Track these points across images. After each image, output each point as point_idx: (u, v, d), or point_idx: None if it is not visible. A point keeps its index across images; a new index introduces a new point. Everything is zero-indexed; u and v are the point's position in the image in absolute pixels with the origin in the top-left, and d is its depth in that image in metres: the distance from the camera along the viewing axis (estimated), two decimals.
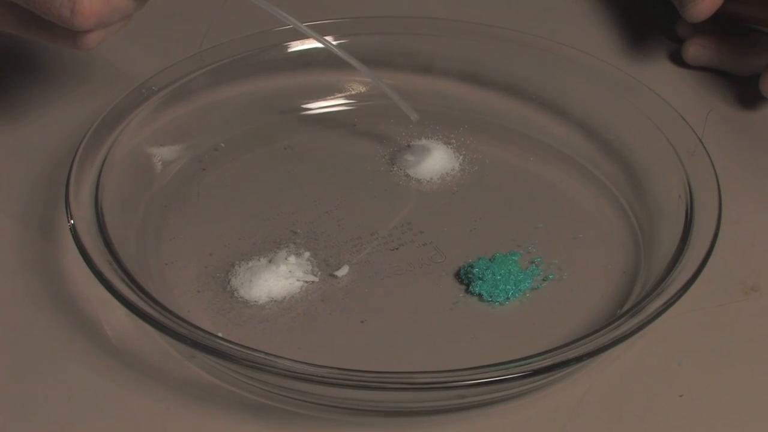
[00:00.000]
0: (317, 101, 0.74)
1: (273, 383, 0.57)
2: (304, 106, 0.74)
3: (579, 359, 0.55)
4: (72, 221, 0.60)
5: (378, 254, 0.64)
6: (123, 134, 0.67)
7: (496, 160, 0.71)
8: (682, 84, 0.77)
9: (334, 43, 0.74)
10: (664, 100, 0.69)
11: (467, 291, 0.62)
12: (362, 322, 0.61)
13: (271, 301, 0.62)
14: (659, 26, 0.82)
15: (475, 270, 0.62)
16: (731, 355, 0.60)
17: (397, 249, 0.65)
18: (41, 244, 0.65)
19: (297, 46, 0.74)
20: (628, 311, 0.58)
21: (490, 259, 0.63)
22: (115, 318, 0.60)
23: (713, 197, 0.63)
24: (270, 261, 0.63)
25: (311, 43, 0.74)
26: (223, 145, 0.71)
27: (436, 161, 0.70)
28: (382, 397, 0.57)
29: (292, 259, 0.63)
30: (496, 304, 0.62)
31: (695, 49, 0.77)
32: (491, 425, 0.57)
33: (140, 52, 0.80)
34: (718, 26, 0.78)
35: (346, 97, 0.74)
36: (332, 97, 0.74)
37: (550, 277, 0.63)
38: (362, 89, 0.74)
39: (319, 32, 0.74)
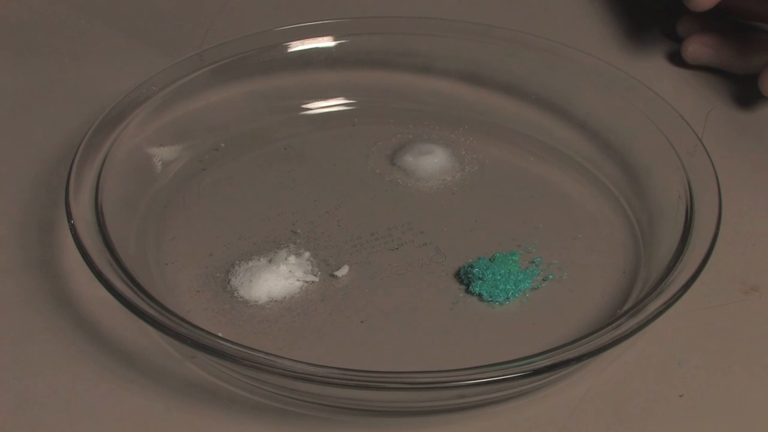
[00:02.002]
0: (317, 101, 0.74)
1: (273, 383, 0.57)
2: (304, 106, 0.74)
3: (579, 359, 0.55)
4: (72, 221, 0.60)
5: (378, 254, 0.64)
6: (123, 134, 0.67)
7: (496, 160, 0.71)
8: (682, 84, 0.77)
9: (334, 43, 0.74)
10: (664, 100, 0.69)
11: (467, 291, 0.62)
12: (362, 322, 0.61)
13: (271, 301, 0.62)
14: (659, 26, 0.82)
15: (475, 270, 0.62)
16: (731, 355, 0.60)
17: (397, 249, 0.65)
18: (41, 244, 0.65)
19: (297, 46, 0.74)
20: (628, 311, 0.58)
21: (490, 259, 0.63)
22: (115, 318, 0.60)
23: (713, 197, 0.63)
24: (270, 261, 0.63)
25: (311, 43, 0.74)
26: (223, 145, 0.71)
27: (436, 161, 0.70)
28: (382, 397, 0.57)
29: (292, 259, 0.63)
30: (496, 304, 0.62)
31: (695, 48, 0.77)
32: (491, 425, 0.57)
33: (140, 52, 0.80)
34: (718, 24, 0.78)
35: (346, 97, 0.74)
36: (332, 97, 0.74)
37: (550, 277, 0.63)
38: (362, 89, 0.74)
39: (320, 32, 0.74)
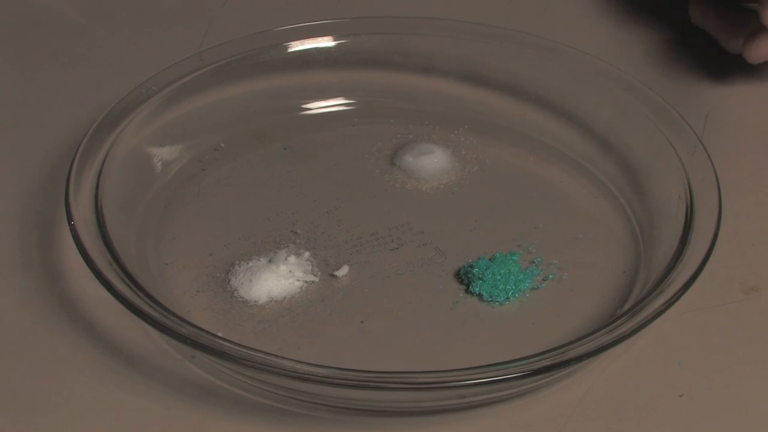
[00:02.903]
0: (317, 101, 0.74)
1: (273, 383, 0.57)
2: (304, 106, 0.74)
3: (579, 359, 0.55)
4: (72, 221, 0.60)
5: (378, 254, 0.64)
6: (123, 134, 0.67)
7: (496, 160, 0.71)
8: (682, 84, 0.77)
9: (334, 43, 0.74)
10: (664, 100, 0.69)
11: (467, 291, 0.62)
12: (362, 322, 0.61)
13: (271, 301, 0.62)
14: (659, 26, 0.82)
15: (475, 270, 0.62)
16: (731, 355, 0.60)
17: (397, 249, 0.65)
18: (41, 244, 0.65)
19: (297, 46, 0.74)
20: (628, 311, 0.58)
21: (490, 259, 0.63)
22: (115, 318, 0.60)
23: (713, 197, 0.63)
24: (270, 261, 0.63)
25: (311, 43, 0.74)
26: (223, 145, 0.71)
27: (436, 161, 0.70)
28: (382, 397, 0.57)
29: (292, 259, 0.63)
30: (496, 304, 0.62)
31: (696, 10, 0.78)
32: (491, 425, 0.57)
33: (140, 52, 0.80)
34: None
35: (346, 97, 0.74)
36: (332, 97, 0.74)
37: (550, 277, 0.63)
38: (362, 89, 0.74)
39: (320, 32, 0.74)
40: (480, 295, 0.62)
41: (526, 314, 0.61)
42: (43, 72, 0.78)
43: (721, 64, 0.78)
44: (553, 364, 0.55)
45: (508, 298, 0.62)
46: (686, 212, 0.63)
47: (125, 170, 0.66)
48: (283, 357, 0.55)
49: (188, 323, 0.56)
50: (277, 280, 0.62)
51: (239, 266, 0.63)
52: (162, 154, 0.69)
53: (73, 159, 0.64)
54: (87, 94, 0.75)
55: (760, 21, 0.72)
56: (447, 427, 0.57)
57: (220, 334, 0.57)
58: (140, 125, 0.68)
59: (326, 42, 0.74)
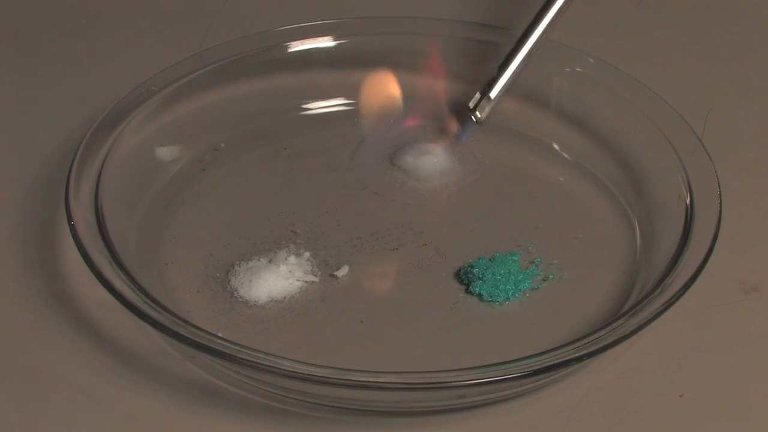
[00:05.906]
0: (317, 101, 0.74)
1: (273, 383, 0.57)
2: (304, 106, 0.74)
3: (579, 359, 0.55)
4: (72, 221, 0.60)
5: (378, 254, 0.64)
6: (123, 134, 0.67)
7: (496, 160, 0.71)
8: (682, 84, 0.77)
9: (334, 43, 0.74)
10: (664, 100, 0.69)
11: (467, 291, 0.62)
12: (362, 322, 0.61)
13: (271, 301, 0.62)
14: (659, 26, 0.82)
15: (475, 270, 0.62)
16: (731, 355, 0.60)
17: (397, 249, 0.65)
18: (41, 244, 0.65)
19: (297, 46, 0.74)
20: (628, 311, 0.58)
21: (490, 259, 0.63)
22: (115, 318, 0.60)
23: (713, 197, 0.63)
24: (270, 261, 0.63)
25: (311, 43, 0.74)
26: (223, 145, 0.71)
27: (436, 161, 0.70)
28: (382, 397, 0.57)
29: (292, 259, 0.63)
30: (496, 304, 0.62)
31: None
32: (491, 425, 0.57)
33: (140, 52, 0.80)
34: None
35: (346, 97, 0.74)
36: (332, 97, 0.74)
37: (550, 277, 0.63)
38: (362, 89, 0.74)
39: (320, 32, 0.74)
40: (480, 295, 0.62)
41: (526, 314, 0.61)
42: (43, 72, 0.78)
43: (721, 64, 0.78)
44: (553, 364, 0.55)
45: (508, 298, 0.62)
46: (686, 212, 0.63)
47: (125, 170, 0.66)
48: (283, 357, 0.55)
49: (188, 323, 0.56)
50: (277, 280, 0.62)
51: (239, 266, 0.63)
52: (162, 154, 0.69)
53: (73, 159, 0.64)
54: (87, 94, 0.75)
55: None
56: (447, 427, 0.57)
57: (220, 334, 0.57)
58: (140, 125, 0.68)
59: (326, 42, 0.74)
